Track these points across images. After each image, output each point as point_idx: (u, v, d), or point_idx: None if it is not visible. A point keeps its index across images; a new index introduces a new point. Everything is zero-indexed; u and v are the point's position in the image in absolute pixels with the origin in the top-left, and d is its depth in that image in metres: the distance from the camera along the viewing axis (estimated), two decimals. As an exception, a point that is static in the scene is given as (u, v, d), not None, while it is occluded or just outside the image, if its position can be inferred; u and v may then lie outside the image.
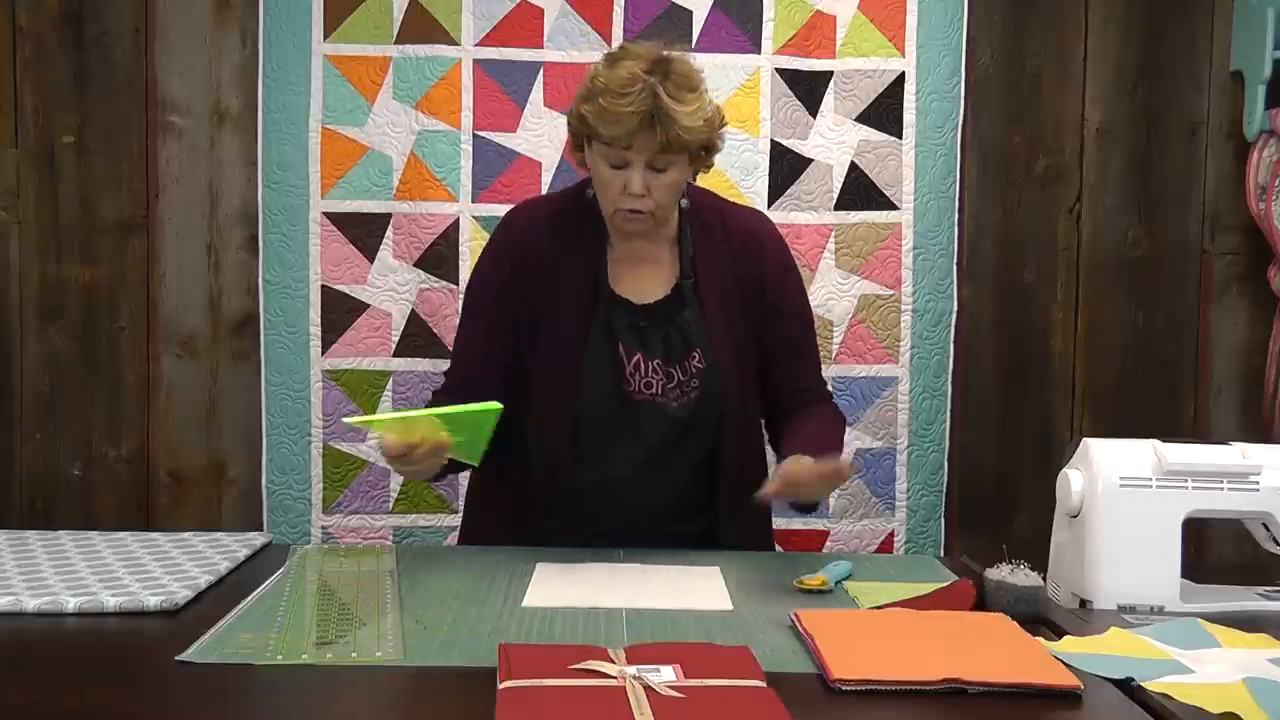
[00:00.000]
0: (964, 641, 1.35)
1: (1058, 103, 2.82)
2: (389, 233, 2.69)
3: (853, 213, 2.73)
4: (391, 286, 2.70)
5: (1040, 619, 1.52)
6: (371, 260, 2.69)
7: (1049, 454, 2.80)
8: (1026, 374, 2.86)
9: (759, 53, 2.70)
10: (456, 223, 2.69)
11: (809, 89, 2.72)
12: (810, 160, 2.72)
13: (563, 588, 1.62)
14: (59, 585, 1.56)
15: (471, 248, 2.66)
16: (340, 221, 2.69)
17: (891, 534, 2.77)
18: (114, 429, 2.79)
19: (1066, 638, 1.44)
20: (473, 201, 2.69)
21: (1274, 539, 1.64)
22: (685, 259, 1.92)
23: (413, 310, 2.70)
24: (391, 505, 2.72)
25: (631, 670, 1.21)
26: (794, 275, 2.00)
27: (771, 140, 2.70)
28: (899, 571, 1.77)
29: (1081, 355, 2.86)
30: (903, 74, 2.72)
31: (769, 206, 2.68)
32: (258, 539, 1.87)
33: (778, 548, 2.14)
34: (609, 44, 2.66)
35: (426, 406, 1.87)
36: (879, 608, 1.52)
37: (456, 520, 2.17)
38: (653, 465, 1.88)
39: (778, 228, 2.03)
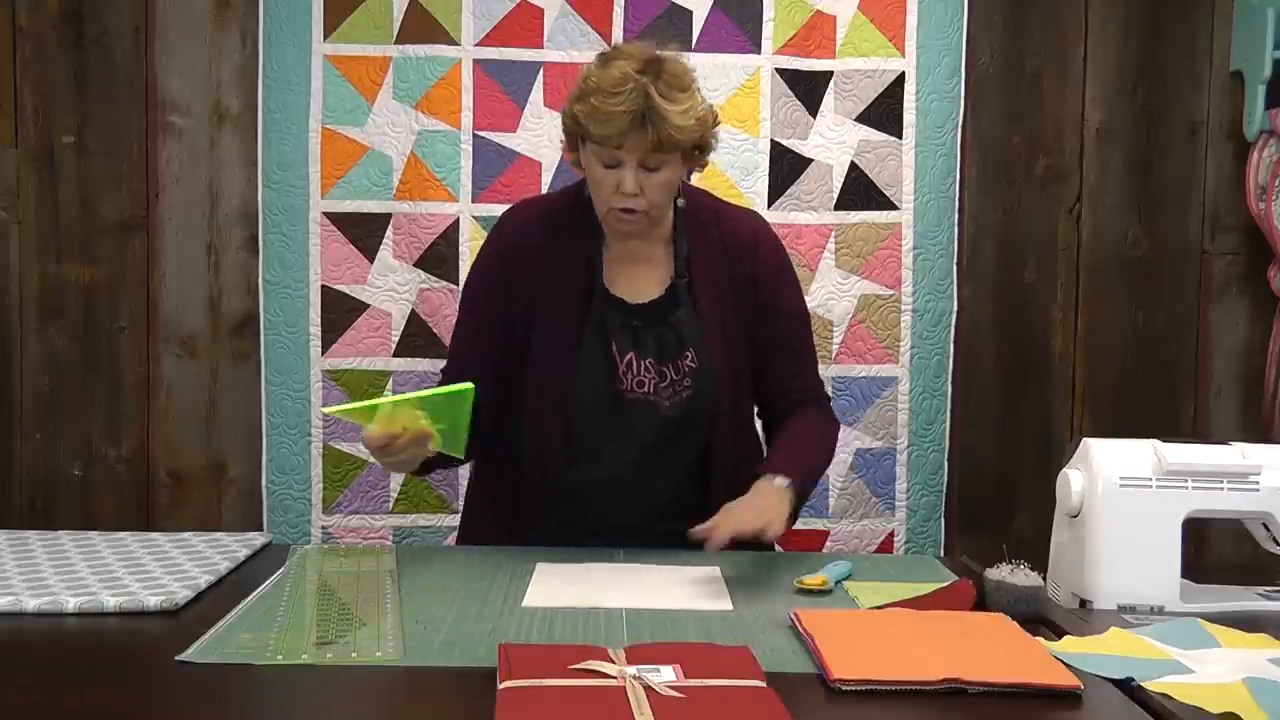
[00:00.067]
0: (964, 641, 1.35)
1: (1058, 103, 2.82)
2: (389, 233, 2.69)
3: (853, 213, 2.73)
4: (391, 286, 2.70)
5: (1040, 619, 1.52)
6: (371, 260, 2.69)
7: (1049, 454, 2.80)
8: (1026, 374, 2.86)
9: (759, 53, 2.70)
10: (456, 223, 2.69)
11: (809, 89, 2.72)
12: (810, 160, 2.71)
13: (563, 588, 1.62)
14: (59, 585, 1.56)
15: (471, 248, 2.66)
16: (340, 221, 2.69)
17: (891, 534, 2.77)
18: (114, 429, 2.79)
19: (1066, 638, 1.44)
20: (473, 201, 2.69)
21: (1274, 539, 1.63)
22: (680, 258, 1.92)
23: (413, 310, 2.70)
24: (391, 505, 2.72)
25: (631, 670, 1.21)
26: (789, 275, 2.00)
27: (771, 140, 2.70)
28: (899, 571, 1.77)
29: (1081, 355, 2.85)
30: (903, 74, 2.72)
31: (769, 206, 2.69)
32: (258, 539, 1.87)
33: (777, 548, 2.14)
34: (609, 44, 2.65)
35: None
36: (879, 608, 1.52)
37: (456, 520, 2.16)
38: (646, 464, 1.88)
39: (775, 228, 2.04)
